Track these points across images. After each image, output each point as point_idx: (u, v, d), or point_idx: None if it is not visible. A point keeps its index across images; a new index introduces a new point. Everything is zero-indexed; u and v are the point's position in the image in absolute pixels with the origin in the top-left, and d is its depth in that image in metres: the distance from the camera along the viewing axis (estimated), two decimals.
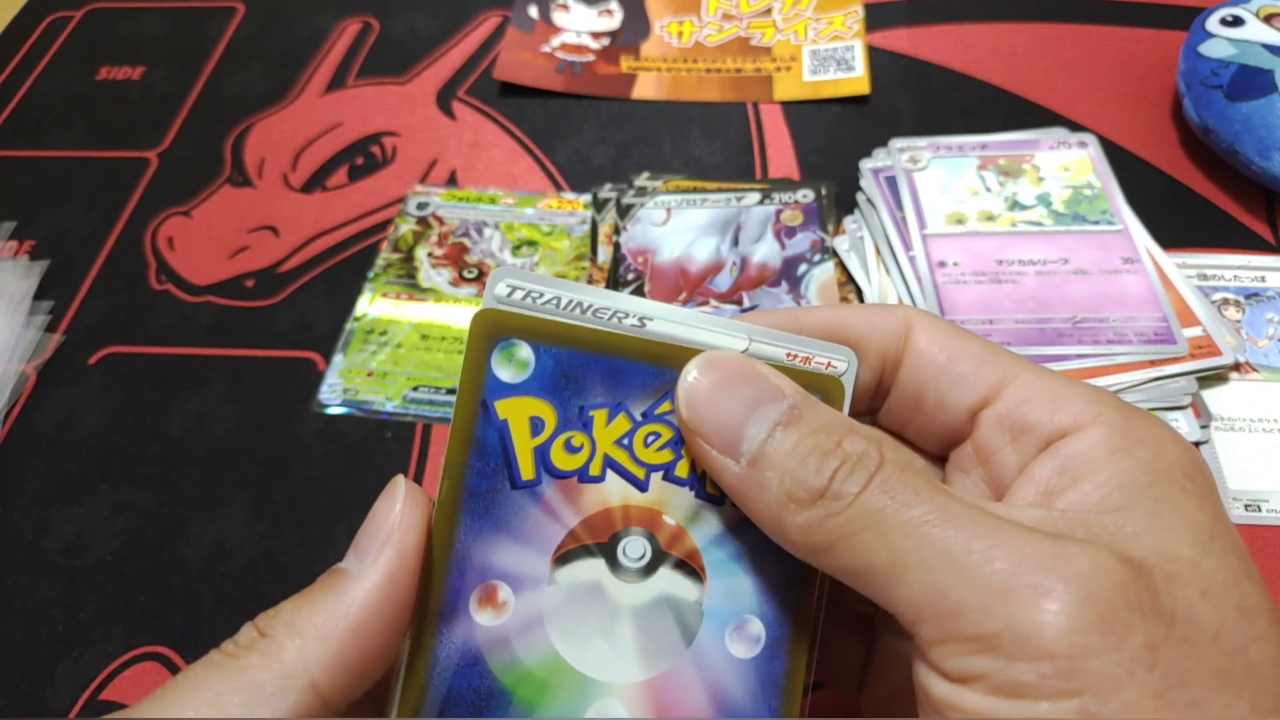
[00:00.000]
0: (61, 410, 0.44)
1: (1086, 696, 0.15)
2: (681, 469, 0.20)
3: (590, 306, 0.20)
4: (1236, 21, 0.50)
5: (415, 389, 0.43)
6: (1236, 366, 0.41)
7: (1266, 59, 0.47)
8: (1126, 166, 0.50)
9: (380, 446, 0.42)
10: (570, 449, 0.20)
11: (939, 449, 0.23)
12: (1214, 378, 0.41)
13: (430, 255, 0.48)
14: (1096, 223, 0.46)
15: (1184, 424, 0.40)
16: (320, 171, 0.53)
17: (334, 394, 0.43)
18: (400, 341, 0.45)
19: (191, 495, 0.41)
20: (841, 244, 0.47)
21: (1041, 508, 0.19)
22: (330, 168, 0.53)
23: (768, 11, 0.60)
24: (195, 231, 0.51)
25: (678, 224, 0.48)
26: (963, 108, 0.54)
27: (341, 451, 0.42)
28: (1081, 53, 0.57)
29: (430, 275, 0.48)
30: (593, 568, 0.20)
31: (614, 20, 0.61)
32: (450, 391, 0.43)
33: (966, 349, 0.21)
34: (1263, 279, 0.44)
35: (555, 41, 0.59)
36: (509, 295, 0.20)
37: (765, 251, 0.47)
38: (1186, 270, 0.45)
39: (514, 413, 0.20)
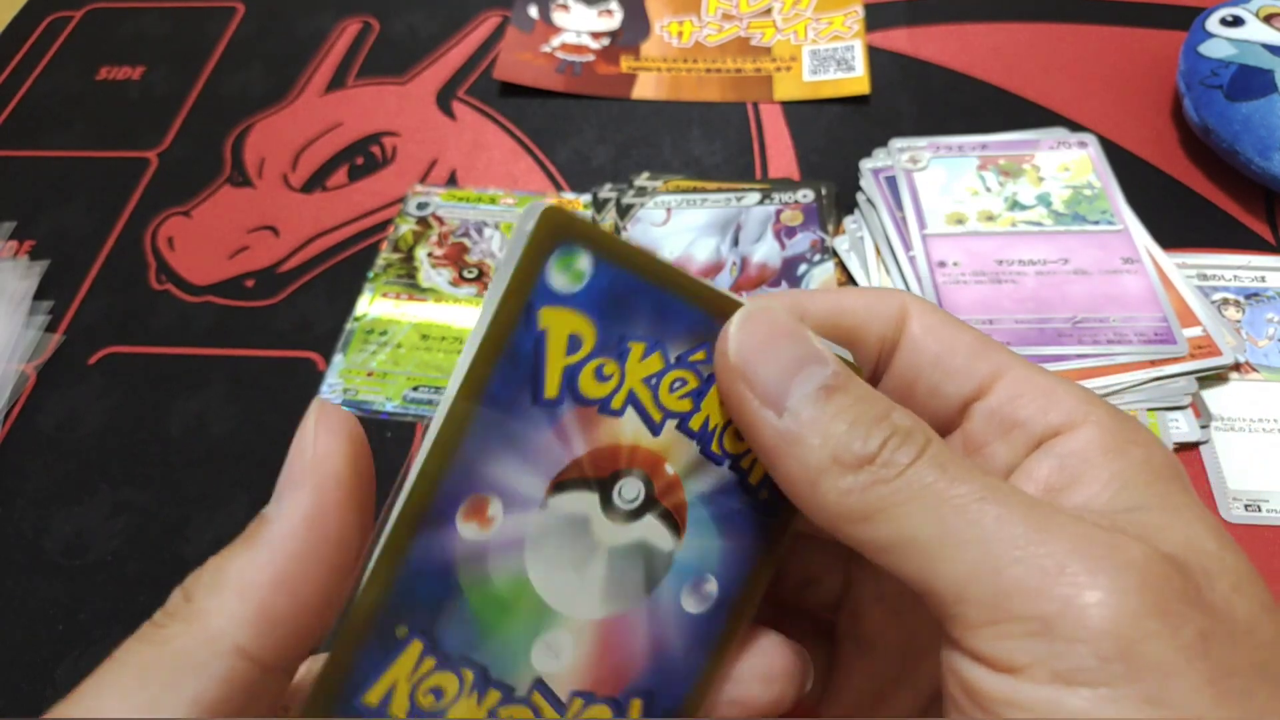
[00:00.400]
0: (61, 410, 0.44)
1: (1148, 681, 0.15)
2: (695, 421, 0.20)
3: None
4: (1236, 21, 0.50)
5: (415, 389, 0.43)
6: (1236, 366, 0.41)
7: (1266, 59, 0.47)
8: (1126, 166, 0.50)
9: (380, 446, 0.42)
10: (600, 376, 0.19)
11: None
12: (1214, 378, 0.41)
13: (430, 255, 0.48)
14: (1096, 223, 0.46)
15: (1184, 424, 0.40)
16: (320, 171, 0.53)
17: (334, 394, 0.43)
18: (400, 341, 0.45)
19: (191, 495, 0.41)
20: (841, 244, 0.47)
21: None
22: (330, 168, 0.54)
23: (768, 11, 0.60)
24: (195, 231, 0.51)
25: (678, 224, 0.48)
26: (963, 108, 0.54)
27: None
28: (1081, 53, 0.57)
29: (430, 275, 0.48)
30: (586, 501, 0.20)
31: (614, 20, 0.61)
32: None
33: (960, 339, 0.21)
34: (1263, 279, 0.44)
35: (555, 41, 0.59)
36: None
37: (765, 251, 0.47)
38: (1186, 270, 0.45)
39: (555, 324, 0.19)
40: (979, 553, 0.16)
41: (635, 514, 0.20)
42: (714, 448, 0.20)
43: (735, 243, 0.47)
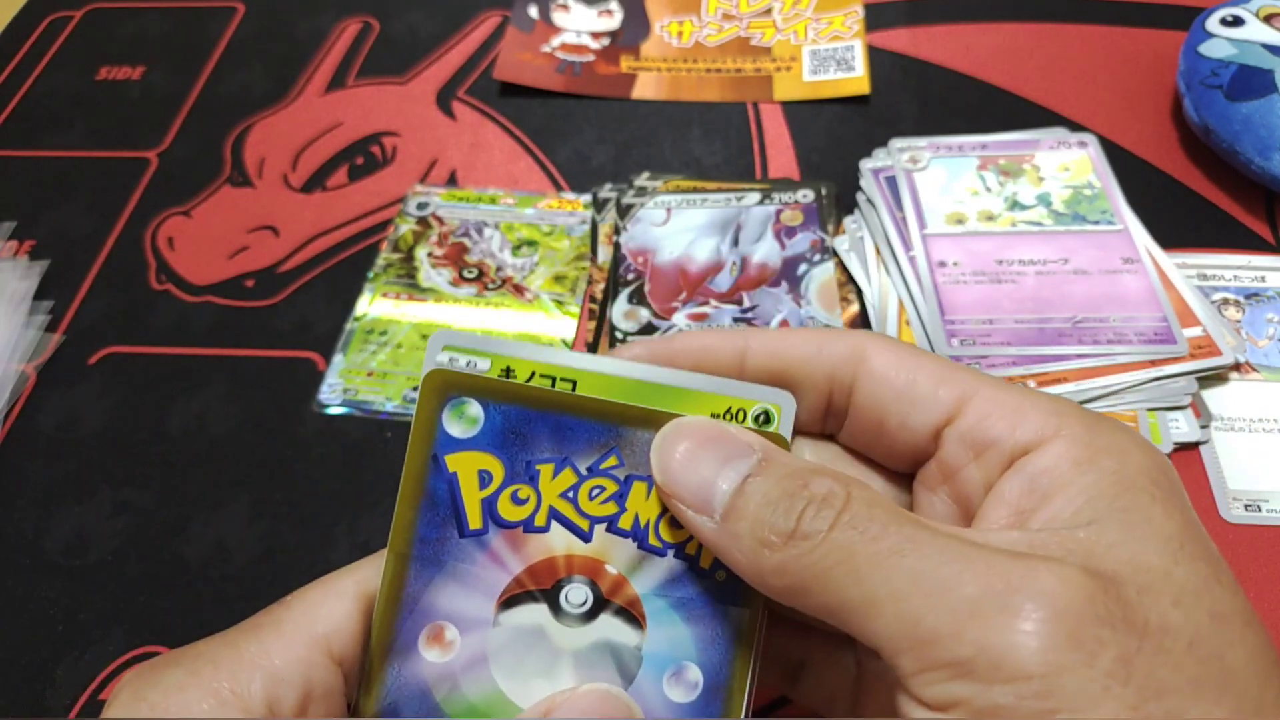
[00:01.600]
0: (62, 410, 0.44)
1: (1063, 715, 0.16)
2: (625, 521, 0.21)
3: (523, 373, 0.22)
4: (1236, 21, 0.50)
5: (415, 389, 0.43)
6: (1237, 366, 0.41)
7: (1267, 59, 0.47)
8: (1126, 166, 0.50)
9: (380, 446, 0.42)
10: (516, 501, 0.21)
11: (905, 467, 0.23)
12: (1214, 378, 0.41)
13: (430, 255, 0.48)
14: (1096, 223, 0.46)
15: (1184, 424, 0.40)
16: (320, 171, 0.53)
17: (334, 394, 0.43)
18: (400, 341, 0.45)
19: (191, 495, 0.41)
20: (841, 244, 0.47)
21: (1016, 529, 0.19)
22: (330, 168, 0.54)
23: (768, 11, 0.60)
24: (195, 231, 0.51)
25: (678, 224, 0.48)
26: (963, 108, 0.54)
27: (341, 452, 0.42)
28: (1081, 53, 0.57)
29: (430, 275, 0.48)
30: (536, 612, 0.21)
31: (614, 20, 0.61)
32: None
33: (923, 368, 0.21)
34: (1263, 279, 0.44)
35: (555, 41, 0.59)
36: (449, 363, 0.22)
37: (765, 251, 0.47)
38: (1186, 270, 0.45)
39: (463, 466, 0.21)
40: (901, 607, 0.17)
41: (588, 616, 0.21)
42: (652, 541, 0.21)
43: (735, 243, 0.47)
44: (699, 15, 0.61)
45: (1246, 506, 0.38)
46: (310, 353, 0.45)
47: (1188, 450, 0.40)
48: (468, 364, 0.22)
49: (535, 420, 0.21)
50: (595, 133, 0.54)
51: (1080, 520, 0.18)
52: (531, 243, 0.49)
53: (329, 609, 0.21)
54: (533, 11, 0.61)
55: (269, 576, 0.38)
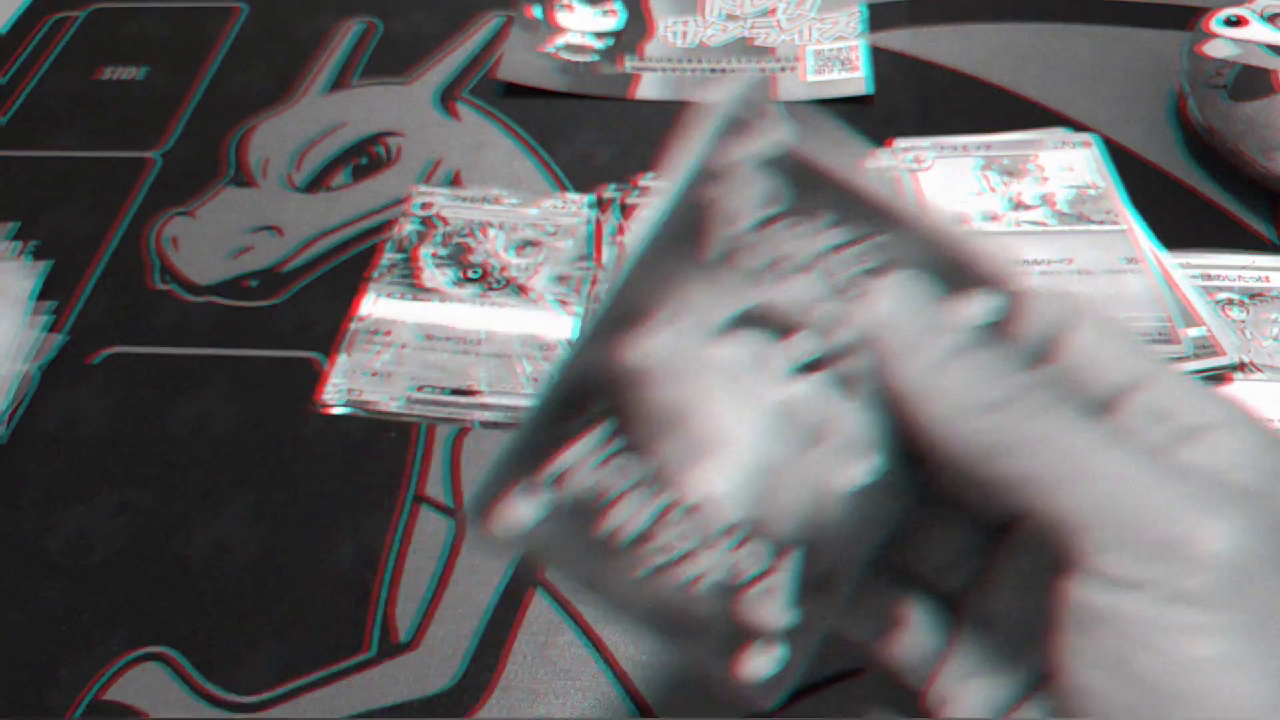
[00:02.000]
0: (63, 410, 0.44)
1: (1251, 613, 0.16)
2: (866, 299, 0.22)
3: None
4: (1238, 22, 0.50)
5: (418, 389, 0.43)
6: (1239, 366, 0.41)
7: (1269, 59, 0.47)
8: (1128, 167, 0.50)
9: (382, 446, 0.42)
10: (789, 231, 0.21)
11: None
12: (1217, 378, 0.41)
13: (433, 255, 0.48)
14: (1100, 223, 0.46)
15: None
16: (322, 171, 0.53)
17: (336, 394, 0.43)
18: (403, 342, 0.45)
19: (193, 495, 0.41)
20: None
21: None
22: (332, 168, 0.53)
23: (770, 12, 0.60)
24: (197, 231, 0.51)
25: None
26: (964, 108, 0.54)
27: (343, 452, 0.42)
28: (1082, 53, 0.57)
29: (433, 276, 0.47)
30: (760, 344, 0.21)
31: (616, 20, 0.61)
32: (455, 391, 0.43)
33: (1125, 339, 0.22)
34: (1265, 279, 0.44)
35: (557, 42, 0.59)
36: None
37: None
38: (1189, 270, 0.45)
39: (754, 177, 0.21)
40: (1109, 485, 0.18)
41: (808, 368, 0.21)
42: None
43: None
44: (702, 15, 0.61)
45: None
46: (312, 353, 0.45)
47: None
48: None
49: (829, 185, 0.21)
50: (597, 133, 0.54)
51: (1263, 489, 0.19)
52: (534, 243, 0.49)
53: None
54: (535, 11, 0.61)
55: (270, 576, 0.38)
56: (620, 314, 0.21)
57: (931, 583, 0.24)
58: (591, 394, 0.20)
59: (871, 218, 0.21)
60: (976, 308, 0.21)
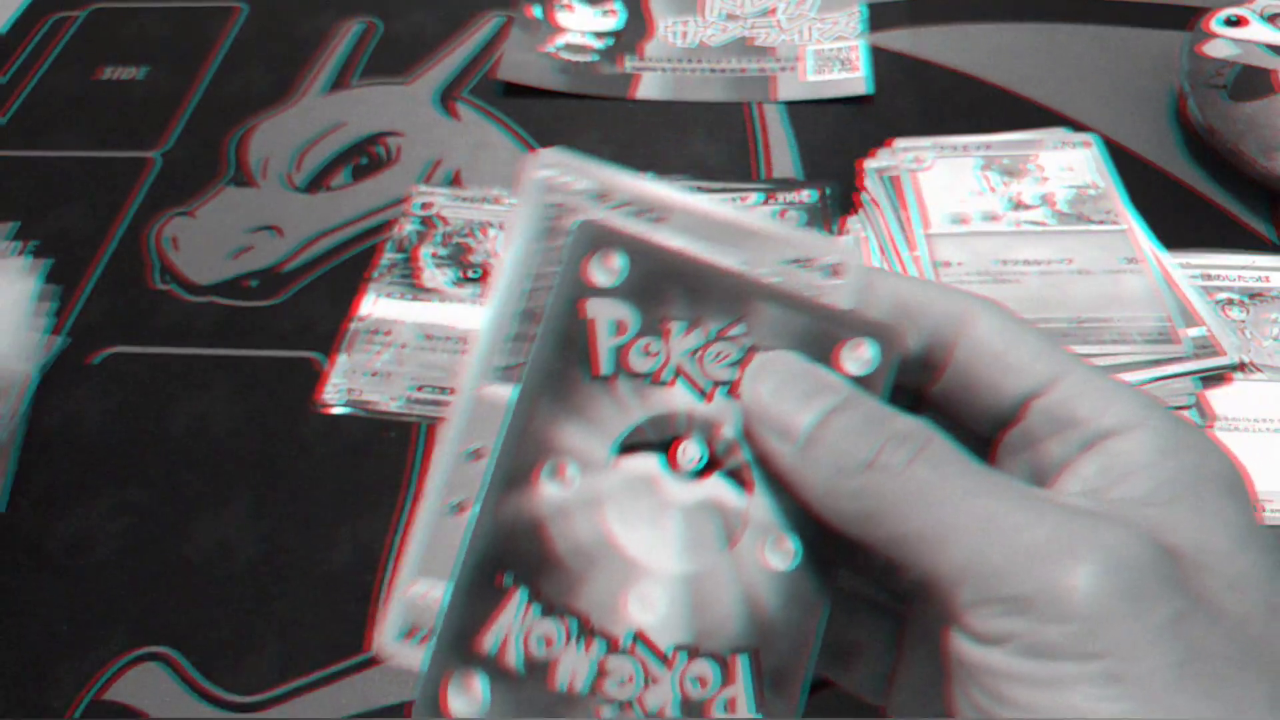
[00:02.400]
0: (64, 410, 0.44)
1: (1111, 659, 0.16)
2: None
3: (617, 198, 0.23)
4: (1238, 22, 0.50)
5: (418, 389, 0.43)
6: (1239, 366, 0.41)
7: (1269, 59, 0.47)
8: (1128, 166, 0.50)
9: (382, 446, 0.42)
10: (645, 353, 0.22)
11: (988, 431, 0.23)
12: (1217, 378, 0.41)
13: (433, 255, 0.48)
14: (1100, 223, 0.46)
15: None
16: (322, 171, 0.53)
17: (336, 394, 0.43)
18: (403, 342, 0.45)
19: (193, 495, 0.41)
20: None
21: (1087, 497, 0.20)
22: (332, 167, 0.53)
23: (770, 12, 0.60)
24: (197, 231, 0.51)
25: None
26: (964, 108, 0.54)
27: (343, 452, 0.42)
28: (1082, 53, 0.57)
29: (433, 276, 0.48)
30: (651, 462, 0.22)
31: (616, 20, 0.61)
32: (455, 391, 0.43)
33: (1024, 341, 0.22)
34: (1265, 279, 0.44)
35: (557, 41, 0.59)
36: (550, 178, 0.23)
37: None
38: (1189, 270, 0.45)
39: (599, 313, 0.22)
40: (970, 541, 0.18)
41: (700, 473, 0.22)
42: None
43: None
44: (702, 15, 0.61)
45: None
46: (312, 353, 0.45)
47: None
48: (567, 181, 0.24)
49: (673, 279, 0.22)
50: (597, 133, 0.54)
51: (1151, 500, 0.19)
52: None
53: None
54: (535, 11, 0.61)
55: (270, 576, 0.38)
56: (507, 472, 0.22)
57: (881, 604, 0.25)
58: (497, 566, 0.21)
59: (723, 299, 0.22)
60: (848, 364, 0.22)
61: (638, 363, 0.22)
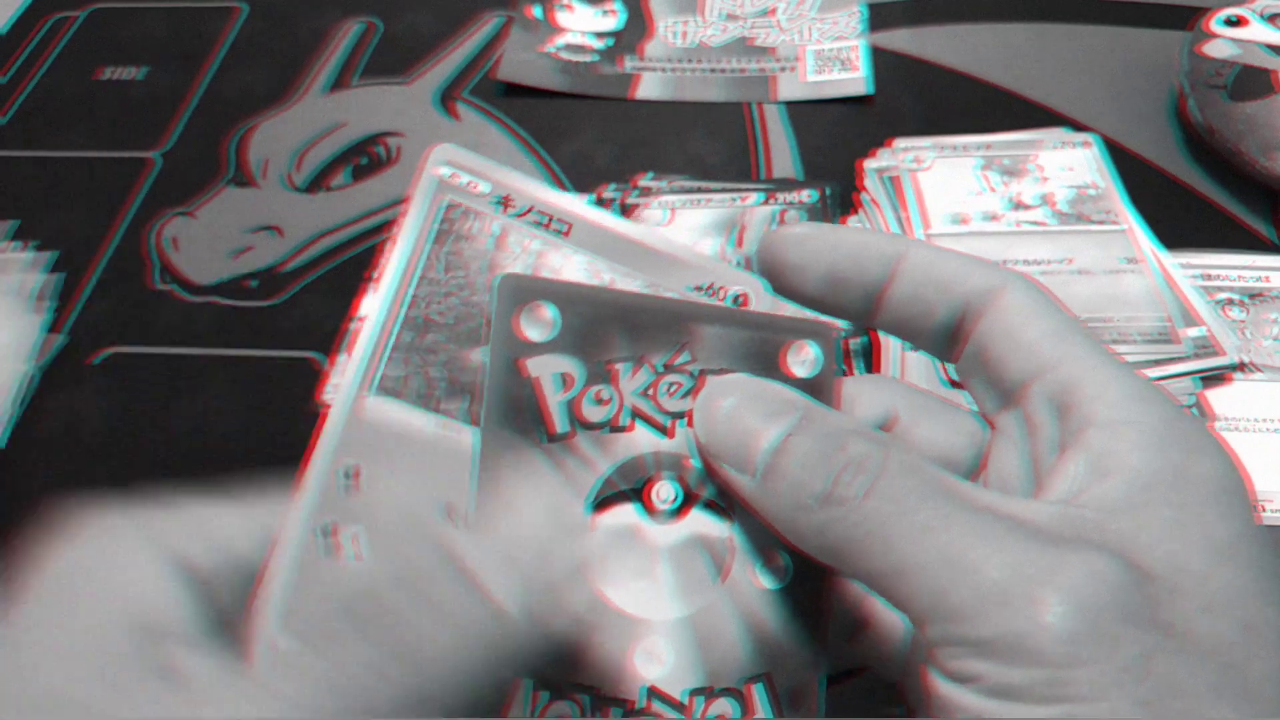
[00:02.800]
0: (64, 411, 0.44)
1: (1075, 703, 0.16)
2: None
3: (521, 204, 0.22)
4: (1239, 22, 0.50)
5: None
6: (1239, 366, 0.41)
7: (1269, 59, 0.47)
8: (1128, 166, 0.50)
9: None
10: (597, 401, 0.21)
11: (994, 409, 0.23)
12: (1217, 378, 0.41)
13: None
14: (1100, 223, 0.46)
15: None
16: (322, 171, 0.53)
17: (336, 394, 0.43)
18: None
19: (193, 495, 0.41)
20: None
21: (1062, 503, 0.19)
22: (332, 167, 0.53)
23: (770, 12, 0.60)
24: (197, 231, 0.51)
25: (681, 224, 0.48)
26: (964, 108, 0.54)
27: None
28: (1082, 53, 0.57)
29: None
30: (627, 512, 0.21)
31: (616, 20, 0.61)
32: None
33: (1042, 319, 0.21)
34: (1265, 279, 0.44)
35: (557, 41, 0.59)
36: (450, 177, 0.22)
37: None
38: (1189, 270, 0.45)
39: (541, 370, 0.21)
40: (929, 581, 0.17)
41: (677, 512, 0.21)
42: None
43: (738, 243, 0.47)
44: (701, 15, 0.61)
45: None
46: (312, 353, 0.45)
47: None
48: (467, 182, 0.23)
49: (608, 320, 0.21)
50: (597, 133, 0.54)
51: (1127, 505, 0.18)
52: None
53: None
54: (535, 11, 0.61)
55: None
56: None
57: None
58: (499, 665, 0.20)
59: (661, 330, 0.21)
60: (795, 368, 0.21)
61: (591, 413, 0.21)
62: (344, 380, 0.22)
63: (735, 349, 0.22)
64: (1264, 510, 0.38)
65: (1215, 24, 0.51)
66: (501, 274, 0.21)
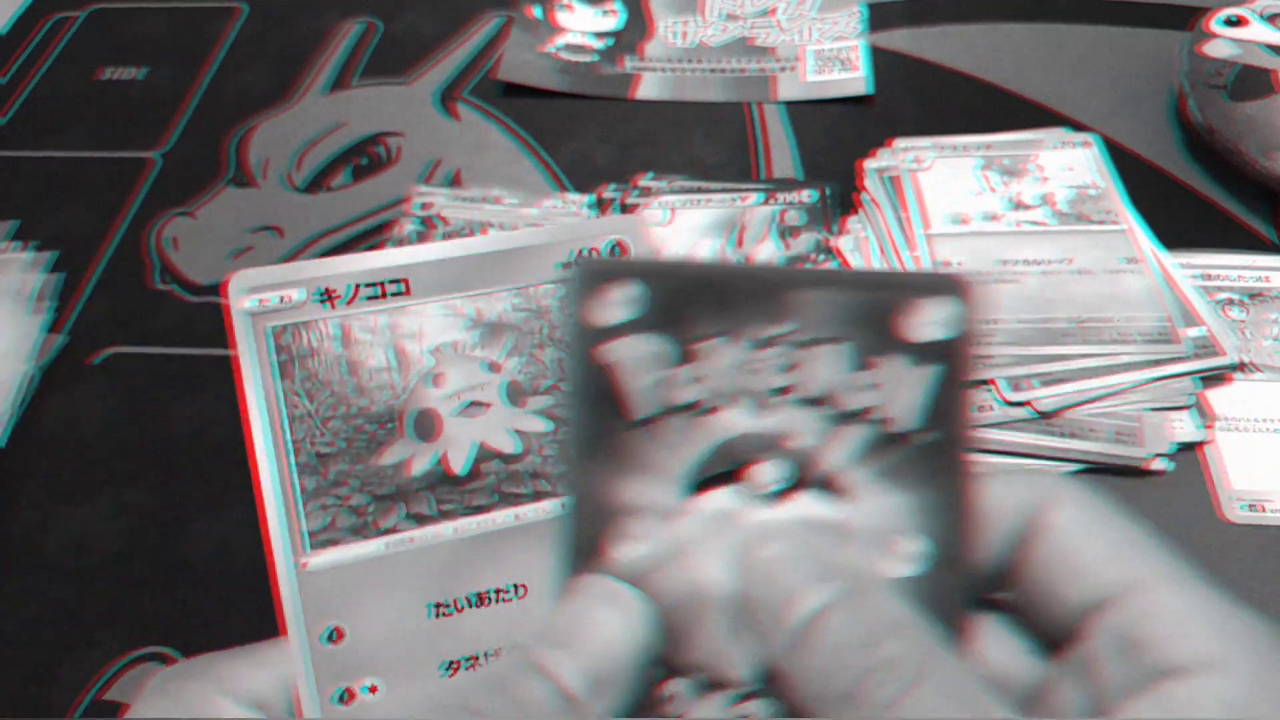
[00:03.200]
0: (64, 411, 0.44)
1: None
2: (807, 388, 0.20)
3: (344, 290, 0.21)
4: (1239, 22, 0.50)
5: None
6: (1239, 366, 0.41)
7: (1269, 59, 0.47)
8: (1128, 166, 0.50)
9: None
10: (688, 381, 0.20)
11: (1049, 637, 0.20)
12: (1217, 378, 0.41)
13: None
14: (1100, 223, 0.46)
15: (1187, 424, 0.40)
16: (322, 171, 0.53)
17: None
18: None
19: (193, 496, 0.41)
20: (845, 244, 0.47)
21: None
22: (332, 167, 0.54)
23: (770, 12, 0.60)
24: (197, 231, 0.51)
25: (681, 224, 0.48)
26: (963, 108, 0.54)
27: None
28: (1082, 53, 0.57)
29: None
30: (725, 496, 0.20)
31: (616, 20, 0.61)
32: None
33: (1101, 536, 0.19)
34: (1265, 279, 0.44)
35: (557, 42, 0.59)
36: (260, 305, 0.21)
37: (768, 252, 0.47)
38: (1189, 270, 0.45)
39: (623, 354, 0.20)
40: None
41: (782, 494, 0.20)
42: (844, 406, 0.20)
43: (738, 243, 0.47)
44: (702, 15, 0.61)
45: (1249, 506, 0.38)
46: None
47: (1190, 450, 0.40)
48: (279, 298, 0.21)
49: (697, 295, 0.20)
50: (597, 133, 0.54)
51: None
52: None
53: None
54: (535, 11, 0.61)
55: (270, 576, 0.38)
56: (573, 553, 0.20)
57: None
58: None
59: (757, 301, 0.20)
60: (927, 328, 0.19)
61: (683, 393, 0.20)
62: (276, 553, 0.21)
63: (843, 314, 0.19)
64: (1264, 510, 0.38)
65: (1215, 24, 0.51)
66: (579, 263, 0.20)
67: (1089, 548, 0.18)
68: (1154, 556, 0.18)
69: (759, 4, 0.61)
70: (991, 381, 0.40)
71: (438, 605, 0.22)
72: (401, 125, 0.56)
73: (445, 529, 0.22)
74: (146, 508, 0.41)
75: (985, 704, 0.16)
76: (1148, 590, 0.18)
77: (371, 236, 0.50)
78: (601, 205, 0.50)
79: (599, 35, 0.60)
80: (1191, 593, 0.18)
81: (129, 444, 0.43)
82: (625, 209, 0.49)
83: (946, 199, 0.47)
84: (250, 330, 0.21)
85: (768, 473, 0.20)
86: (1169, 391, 0.40)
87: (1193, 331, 0.41)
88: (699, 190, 0.50)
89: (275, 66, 0.60)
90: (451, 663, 0.22)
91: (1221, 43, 0.49)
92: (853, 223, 0.48)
